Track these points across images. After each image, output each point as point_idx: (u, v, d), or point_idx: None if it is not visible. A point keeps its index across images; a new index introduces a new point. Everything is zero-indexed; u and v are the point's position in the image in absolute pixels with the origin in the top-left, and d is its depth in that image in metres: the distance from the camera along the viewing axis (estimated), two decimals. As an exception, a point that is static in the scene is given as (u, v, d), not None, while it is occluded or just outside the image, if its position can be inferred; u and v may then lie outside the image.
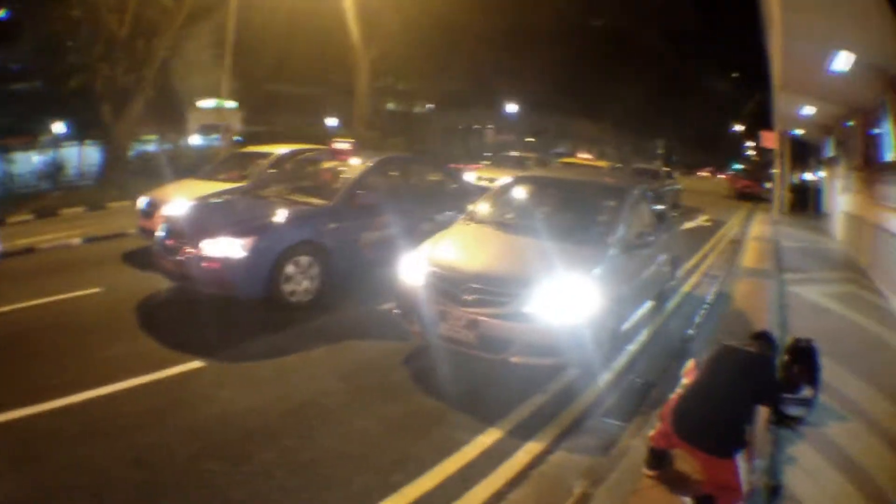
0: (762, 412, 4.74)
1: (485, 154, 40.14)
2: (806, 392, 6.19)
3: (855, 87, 13.70)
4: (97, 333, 7.65)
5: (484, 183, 17.97)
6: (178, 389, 6.22)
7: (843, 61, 11.34)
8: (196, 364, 6.78)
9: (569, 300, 6.36)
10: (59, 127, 29.38)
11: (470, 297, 6.51)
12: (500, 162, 26.97)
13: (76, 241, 13.22)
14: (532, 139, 58.51)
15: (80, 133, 26.47)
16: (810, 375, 6.28)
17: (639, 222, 8.41)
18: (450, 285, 6.69)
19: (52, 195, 19.40)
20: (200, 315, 8.55)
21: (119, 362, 6.76)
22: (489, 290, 6.49)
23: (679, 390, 4.83)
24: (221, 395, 6.14)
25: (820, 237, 21.49)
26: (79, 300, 9.04)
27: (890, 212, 12.27)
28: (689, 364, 5.14)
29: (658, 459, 4.93)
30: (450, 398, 6.32)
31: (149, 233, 10.73)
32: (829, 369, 6.78)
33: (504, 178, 9.92)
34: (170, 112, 31.38)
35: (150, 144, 27.00)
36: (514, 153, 30.55)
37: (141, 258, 11.17)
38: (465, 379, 6.79)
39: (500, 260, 7.07)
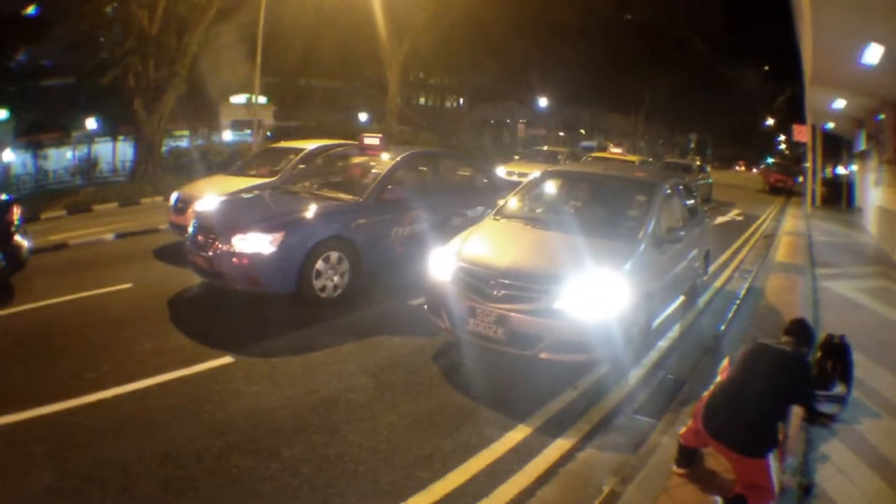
0: (796, 411, 4.64)
1: (519, 149, 40.05)
2: (839, 389, 6.12)
3: (885, 79, 13.53)
4: (129, 329, 7.71)
5: (514, 178, 17.95)
6: (208, 385, 6.25)
7: (873, 54, 11.17)
8: (226, 359, 6.82)
9: (599, 296, 6.31)
10: (91, 123, 29.76)
11: (499, 293, 6.49)
12: (531, 157, 26.91)
13: (109, 236, 13.38)
14: (562, 133, 58.26)
15: (113, 129, 26.78)
16: (843, 372, 6.20)
17: (670, 217, 8.33)
18: (479, 281, 6.67)
19: (85, 191, 19.61)
20: (230, 311, 8.63)
21: (150, 358, 6.83)
22: (518, 286, 6.47)
23: (711, 388, 4.77)
24: (250, 391, 6.17)
25: (852, 231, 21.27)
26: (111, 296, 9.12)
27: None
28: (725, 362, 5.06)
29: (688, 457, 4.86)
30: (479, 394, 6.29)
31: (180, 228, 10.83)
32: (862, 365, 6.69)
33: (534, 173, 9.87)
34: (202, 108, 31.67)
35: (183, 140, 27.23)
36: (545, 147, 30.49)
37: (172, 254, 11.30)
38: (494, 375, 6.77)
39: (530, 256, 7.03)
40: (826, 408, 5.88)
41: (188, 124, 29.35)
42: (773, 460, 4.19)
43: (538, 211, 8.76)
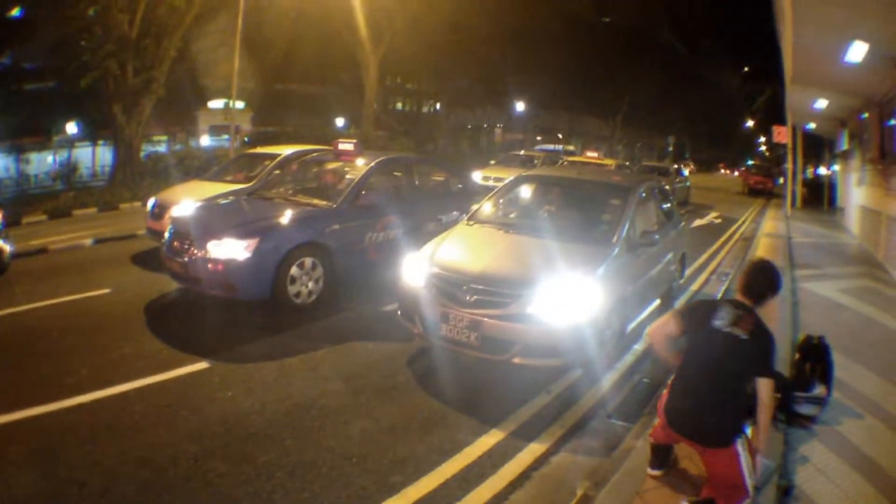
0: (766, 405, 4.53)
1: (497, 153, 40.07)
2: (819, 390, 6.14)
3: (869, 78, 13.53)
4: (106, 334, 7.71)
5: (490, 183, 18.00)
6: (184, 390, 6.27)
7: (856, 52, 11.16)
8: (201, 365, 6.83)
9: (571, 300, 6.33)
10: (71, 127, 29.65)
11: (472, 298, 6.49)
12: (507, 161, 26.95)
13: (88, 242, 13.32)
14: (539, 138, 58.25)
15: (93, 133, 26.68)
16: (823, 373, 6.23)
17: (644, 221, 8.38)
18: (451, 286, 6.68)
19: (65, 195, 19.54)
20: (206, 316, 8.64)
21: (127, 363, 6.84)
22: (491, 290, 6.48)
23: (669, 382, 4.75)
24: (225, 396, 6.18)
25: (834, 232, 21.44)
26: (89, 301, 9.10)
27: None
28: (667, 318, 4.78)
29: (661, 457, 4.85)
30: (452, 399, 6.33)
31: (157, 234, 10.83)
32: (844, 366, 6.76)
33: (509, 178, 9.93)
34: (181, 113, 31.56)
35: (161, 145, 27.14)
36: (521, 152, 30.53)
37: (149, 259, 11.28)
38: (467, 380, 6.81)
39: (502, 260, 7.03)
40: (805, 409, 5.91)
41: (166, 129, 29.23)
42: (742, 451, 4.17)
43: (512, 216, 8.80)
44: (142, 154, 23.58)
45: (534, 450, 5.47)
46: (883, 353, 7.96)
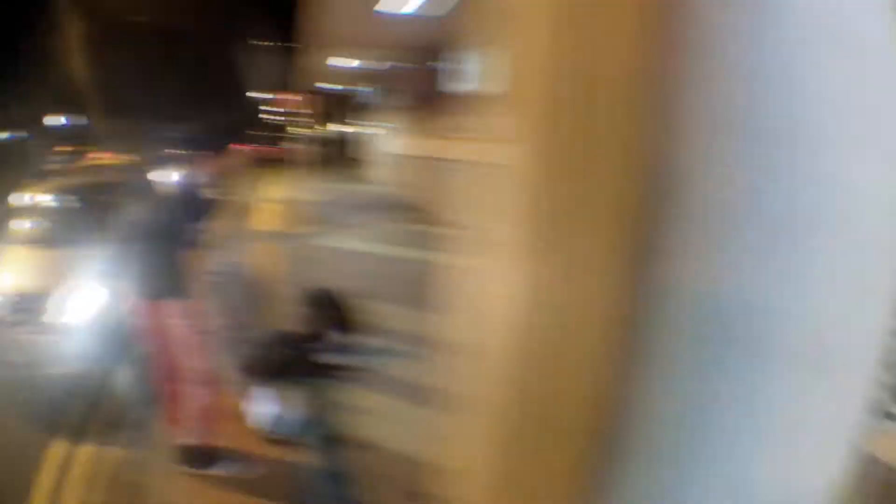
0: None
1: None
2: (340, 339, 6.56)
3: (401, 28, 13.68)
4: None
5: (33, 201, 16.83)
6: None
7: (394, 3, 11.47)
8: None
9: (87, 306, 6.60)
10: None
11: (16, 318, 6.54)
12: (48, 175, 25.05)
13: None
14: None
15: None
16: (339, 323, 6.67)
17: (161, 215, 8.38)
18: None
19: None
20: None
21: None
22: (26, 307, 6.54)
23: None
24: None
25: (361, 185, 22.48)
26: None
27: (438, 140, 12.94)
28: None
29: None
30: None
31: None
32: (372, 310, 7.21)
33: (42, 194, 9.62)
34: None
35: None
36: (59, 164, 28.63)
37: None
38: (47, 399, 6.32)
39: (29, 276, 7.02)
40: (333, 359, 6.08)
41: None
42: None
43: (44, 230, 8.44)
44: None
45: (86, 451, 5.53)
46: (400, 286, 8.55)
